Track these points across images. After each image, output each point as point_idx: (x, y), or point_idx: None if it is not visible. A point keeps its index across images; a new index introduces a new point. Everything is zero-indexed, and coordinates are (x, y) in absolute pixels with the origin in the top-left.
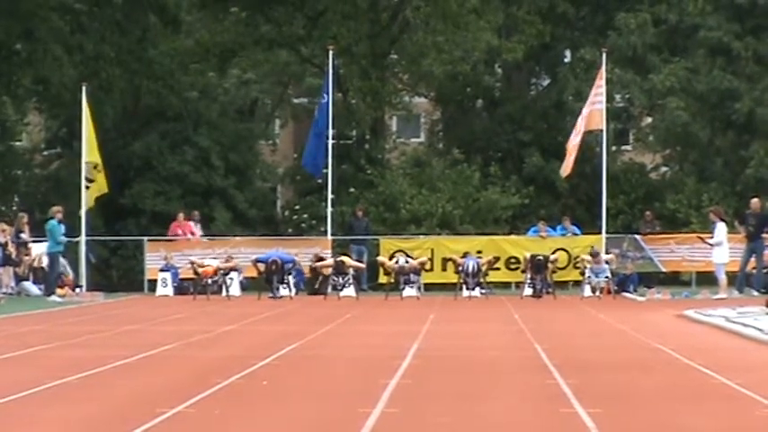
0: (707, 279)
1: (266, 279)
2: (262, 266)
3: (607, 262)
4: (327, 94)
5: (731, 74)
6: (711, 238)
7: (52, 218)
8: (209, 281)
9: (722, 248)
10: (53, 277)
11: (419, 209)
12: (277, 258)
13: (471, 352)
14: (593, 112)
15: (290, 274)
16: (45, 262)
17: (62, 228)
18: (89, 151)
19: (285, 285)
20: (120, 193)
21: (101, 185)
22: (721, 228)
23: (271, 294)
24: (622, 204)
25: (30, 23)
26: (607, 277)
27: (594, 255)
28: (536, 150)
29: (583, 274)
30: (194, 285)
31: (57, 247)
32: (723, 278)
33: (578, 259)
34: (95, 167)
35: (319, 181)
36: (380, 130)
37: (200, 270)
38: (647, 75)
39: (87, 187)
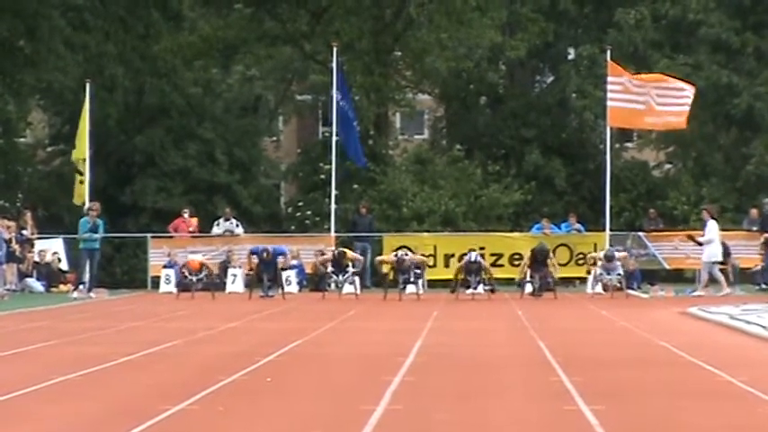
0: (710, 276)
1: (258, 277)
2: (255, 259)
3: (619, 259)
4: (340, 90)
5: (731, 70)
6: (702, 236)
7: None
8: (194, 278)
9: (713, 246)
10: (86, 275)
11: (422, 206)
12: (268, 247)
13: (475, 349)
14: (615, 109)
15: (284, 269)
16: (48, 258)
17: (88, 224)
18: (80, 148)
19: (287, 282)
20: (122, 190)
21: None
22: (712, 226)
23: (262, 293)
24: (625, 202)
25: (33, 23)
26: (619, 275)
27: (610, 258)
28: (536, 147)
29: (589, 272)
30: (190, 283)
31: (82, 243)
32: (705, 276)
33: (581, 256)
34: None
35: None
36: (384, 126)
37: (180, 261)
38: (648, 72)
39: (81, 182)
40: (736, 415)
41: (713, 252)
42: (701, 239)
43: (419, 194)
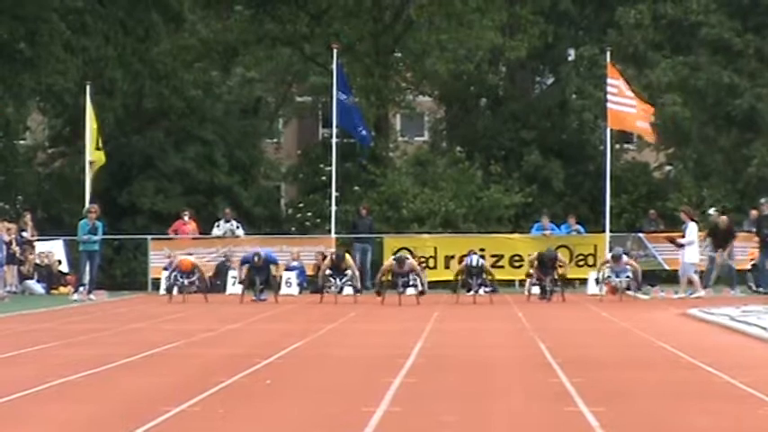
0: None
1: (249, 281)
2: (246, 268)
3: (627, 263)
4: (343, 92)
5: (732, 71)
6: (683, 237)
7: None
8: (186, 281)
9: (693, 248)
10: (86, 277)
11: (422, 208)
12: (260, 251)
13: (475, 350)
14: (613, 111)
15: (274, 277)
16: (48, 260)
17: (88, 226)
18: (92, 150)
19: (287, 284)
20: (120, 192)
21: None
22: (692, 227)
23: (254, 297)
24: (626, 203)
25: (33, 26)
26: (628, 277)
27: (617, 258)
28: (535, 149)
29: (601, 270)
30: (181, 286)
31: (81, 245)
32: (695, 277)
33: (581, 257)
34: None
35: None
36: (384, 128)
37: (175, 261)
38: (649, 72)
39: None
40: (737, 416)
41: (693, 254)
42: (681, 241)
43: (419, 196)
